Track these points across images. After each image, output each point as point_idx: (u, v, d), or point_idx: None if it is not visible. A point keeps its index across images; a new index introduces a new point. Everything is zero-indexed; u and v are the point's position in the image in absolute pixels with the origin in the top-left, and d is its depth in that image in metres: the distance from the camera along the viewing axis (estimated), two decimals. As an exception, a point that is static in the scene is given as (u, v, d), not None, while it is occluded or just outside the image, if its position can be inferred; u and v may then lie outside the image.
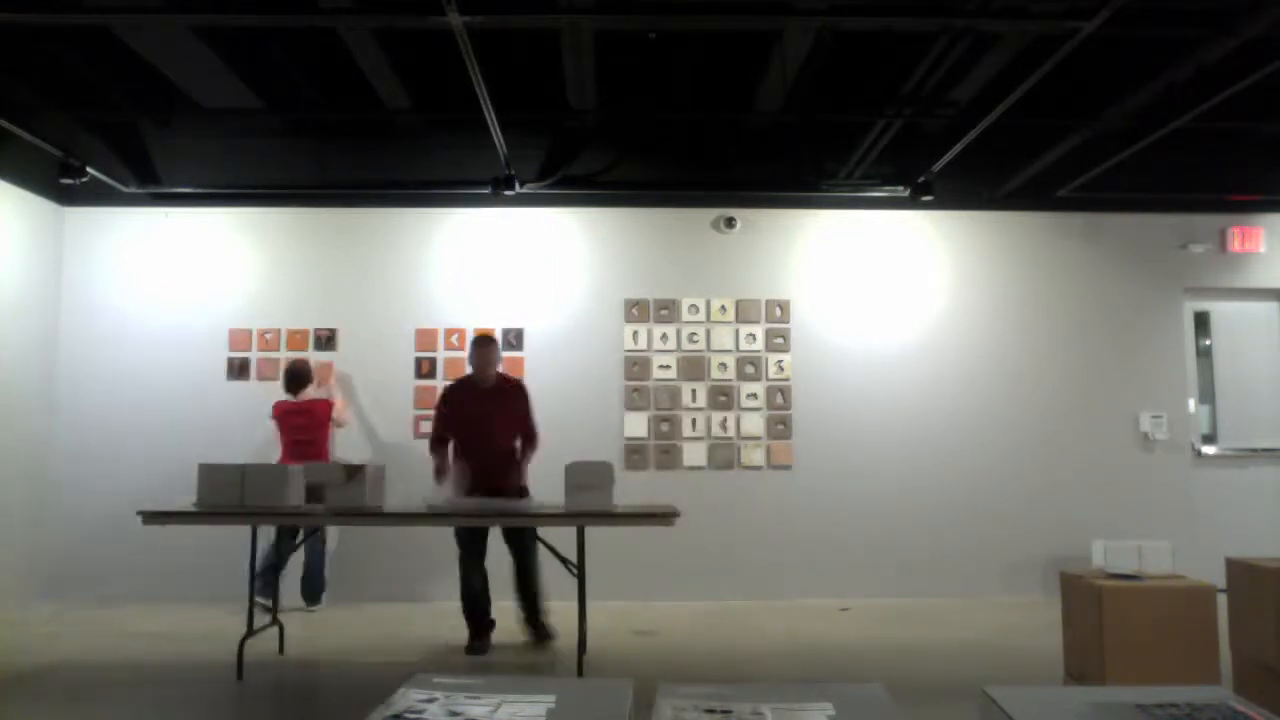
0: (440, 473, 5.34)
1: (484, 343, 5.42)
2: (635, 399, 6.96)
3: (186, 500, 5.04)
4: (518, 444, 5.47)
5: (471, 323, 6.99)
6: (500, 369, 5.56)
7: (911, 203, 6.79)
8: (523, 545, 5.35)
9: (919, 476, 6.96)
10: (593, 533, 6.98)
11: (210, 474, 4.79)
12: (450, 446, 5.38)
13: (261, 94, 5.83)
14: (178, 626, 5.86)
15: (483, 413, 5.32)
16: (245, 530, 6.66)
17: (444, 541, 6.77)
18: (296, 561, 6.26)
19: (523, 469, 5.41)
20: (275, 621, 5.29)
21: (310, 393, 6.45)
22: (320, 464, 5.15)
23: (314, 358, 6.91)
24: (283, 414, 6.38)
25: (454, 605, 6.54)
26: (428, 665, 4.87)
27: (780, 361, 7.03)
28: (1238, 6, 4.52)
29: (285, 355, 6.92)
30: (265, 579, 5.73)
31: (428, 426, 6.85)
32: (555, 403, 6.94)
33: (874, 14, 4.51)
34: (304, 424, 6.34)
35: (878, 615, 6.17)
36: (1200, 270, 7.28)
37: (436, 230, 7.08)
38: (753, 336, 7.04)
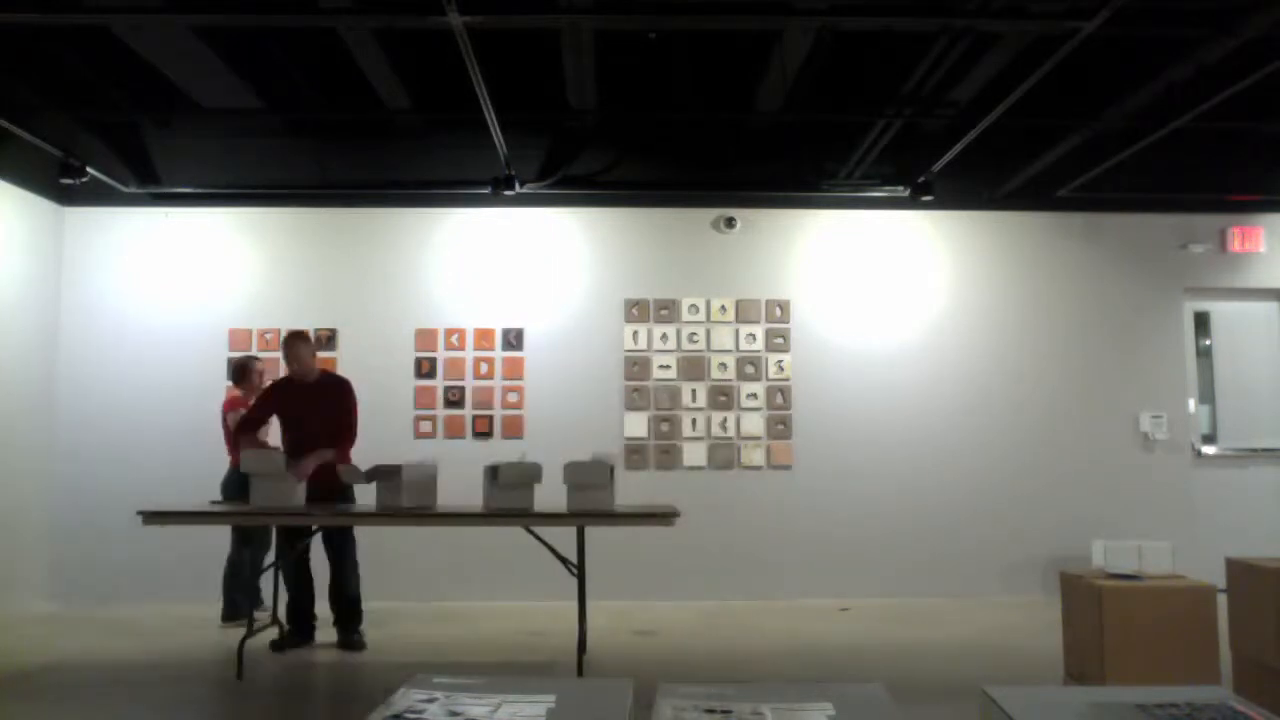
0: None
1: (293, 340, 5.33)
2: (635, 399, 6.96)
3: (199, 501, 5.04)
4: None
5: (472, 323, 6.99)
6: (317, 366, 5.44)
7: (911, 203, 6.79)
8: (340, 549, 5.29)
9: (919, 476, 6.96)
10: (593, 533, 6.98)
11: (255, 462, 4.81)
12: (259, 432, 5.36)
13: (261, 94, 5.83)
14: (177, 626, 5.86)
15: (303, 412, 5.24)
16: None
17: (442, 542, 6.79)
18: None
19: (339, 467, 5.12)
20: (275, 621, 5.29)
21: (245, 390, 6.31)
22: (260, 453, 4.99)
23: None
24: (232, 409, 6.26)
25: (451, 606, 6.56)
26: (428, 665, 4.87)
27: (780, 361, 7.03)
28: (1238, 6, 4.52)
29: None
30: (251, 586, 5.86)
31: (427, 427, 6.90)
32: (555, 403, 6.95)
33: (874, 14, 4.51)
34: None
35: (878, 615, 6.17)
36: (1200, 270, 7.28)
37: (436, 230, 7.08)
38: (753, 336, 7.04)
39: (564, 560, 4.88)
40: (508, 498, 4.77)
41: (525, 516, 4.77)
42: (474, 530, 6.77)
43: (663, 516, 4.64)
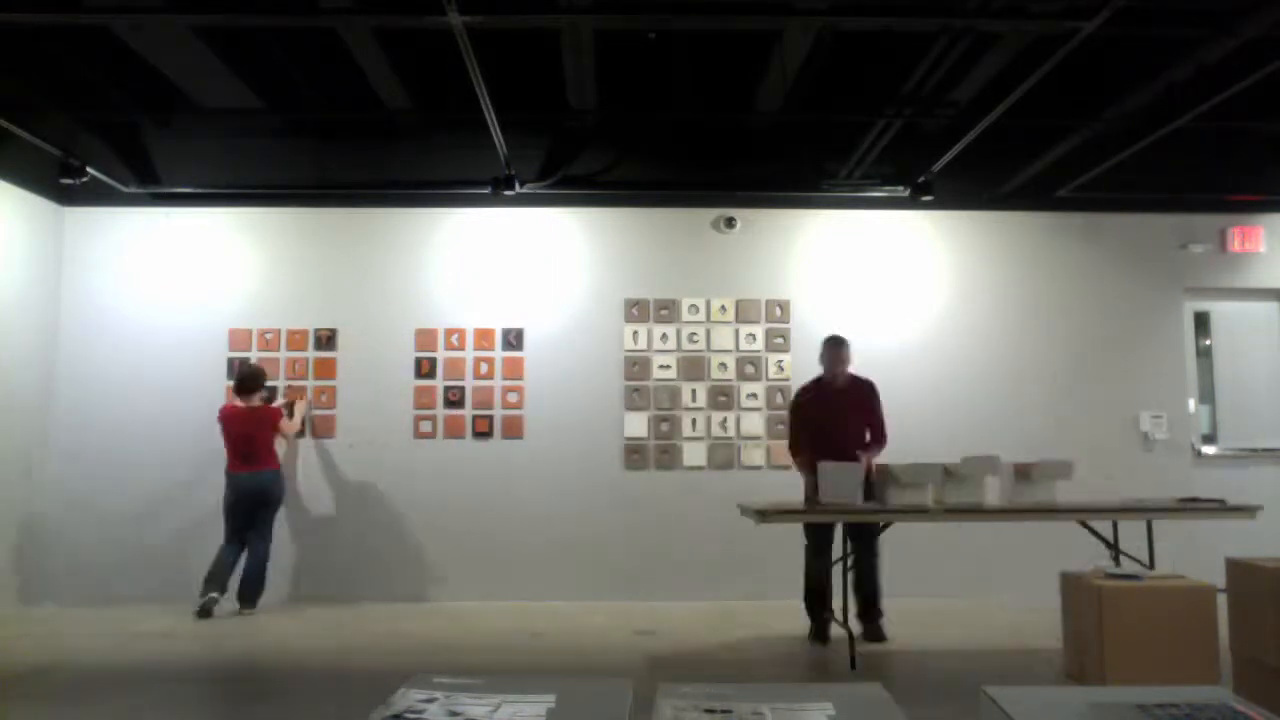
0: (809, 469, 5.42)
1: (834, 343, 5.58)
2: (635, 399, 6.96)
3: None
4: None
5: (471, 323, 6.99)
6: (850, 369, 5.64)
7: (911, 203, 6.79)
8: (865, 542, 5.47)
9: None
10: (592, 534, 7.01)
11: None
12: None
13: (261, 94, 5.83)
14: (178, 626, 5.86)
15: (833, 411, 5.49)
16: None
17: (440, 543, 6.79)
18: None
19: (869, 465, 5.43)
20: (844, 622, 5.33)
21: (258, 399, 6.42)
22: (844, 465, 5.16)
23: (314, 357, 6.92)
24: (228, 418, 6.35)
25: (451, 606, 6.56)
26: (428, 665, 4.87)
27: (780, 361, 7.03)
28: (1238, 6, 4.52)
29: (286, 355, 6.92)
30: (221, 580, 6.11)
31: (427, 427, 6.89)
32: (555, 403, 6.95)
33: (874, 14, 4.52)
34: (250, 432, 6.29)
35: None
36: (1200, 270, 7.28)
37: (436, 230, 7.08)
38: (753, 336, 7.04)
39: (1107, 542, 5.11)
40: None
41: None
42: (473, 531, 6.77)
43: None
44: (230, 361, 6.90)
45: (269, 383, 6.60)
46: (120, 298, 6.97)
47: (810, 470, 5.37)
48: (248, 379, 6.38)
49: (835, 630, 5.32)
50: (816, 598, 5.48)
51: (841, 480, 5.03)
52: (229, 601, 6.20)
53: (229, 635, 5.62)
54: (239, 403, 6.38)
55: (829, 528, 5.46)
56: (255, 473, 6.26)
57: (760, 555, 6.81)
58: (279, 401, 6.71)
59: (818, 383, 5.65)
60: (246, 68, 5.51)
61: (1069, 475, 5.10)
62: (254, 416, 6.34)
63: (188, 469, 6.78)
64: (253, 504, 6.27)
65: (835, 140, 6.57)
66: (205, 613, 6.00)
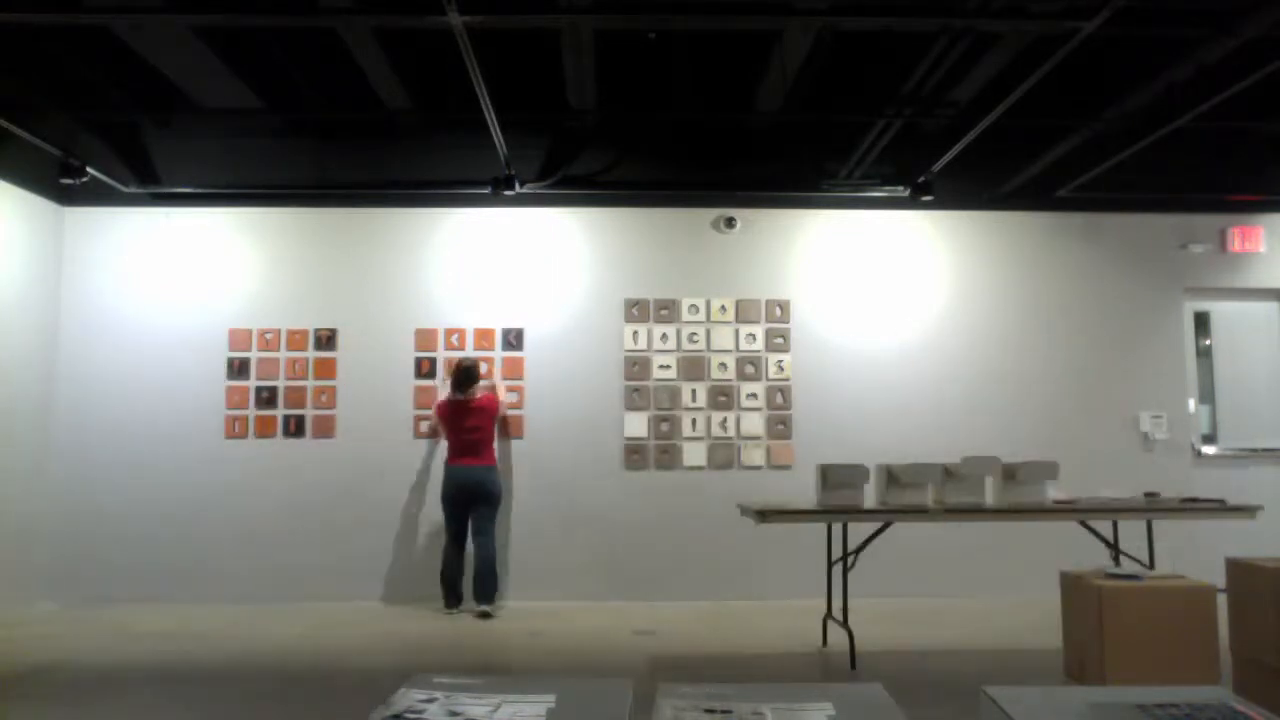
0: None
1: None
2: (635, 399, 6.96)
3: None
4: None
5: (472, 323, 6.99)
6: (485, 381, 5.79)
7: (911, 203, 6.79)
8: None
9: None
10: (591, 534, 7.02)
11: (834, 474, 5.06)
12: None
13: (261, 94, 5.83)
14: (178, 626, 5.86)
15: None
16: (248, 530, 6.72)
17: (439, 543, 6.78)
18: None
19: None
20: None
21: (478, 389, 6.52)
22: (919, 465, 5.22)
23: (314, 357, 6.92)
24: (452, 412, 6.40)
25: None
26: (428, 665, 4.87)
27: (780, 361, 7.03)
28: (1238, 6, 4.52)
29: (286, 355, 6.92)
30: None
31: (428, 427, 6.89)
32: (555, 403, 6.95)
33: (874, 14, 4.51)
34: (477, 421, 6.38)
35: (878, 615, 6.17)
36: (1200, 270, 7.28)
37: (436, 230, 7.08)
38: (753, 336, 7.04)
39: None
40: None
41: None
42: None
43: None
44: (230, 361, 6.90)
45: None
46: (120, 298, 6.97)
47: None
48: (472, 373, 6.42)
49: (834, 630, 5.32)
50: None
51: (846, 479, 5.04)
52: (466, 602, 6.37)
53: (229, 635, 5.62)
54: (459, 396, 6.41)
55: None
56: (475, 467, 6.33)
57: (760, 555, 6.81)
58: (481, 387, 6.63)
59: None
60: (246, 68, 5.51)
61: (1055, 475, 5.12)
62: (478, 408, 6.39)
63: (188, 469, 6.79)
64: (471, 498, 6.29)
65: (835, 140, 6.57)
66: (485, 615, 6.17)
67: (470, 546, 6.34)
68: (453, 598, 6.30)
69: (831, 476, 5.03)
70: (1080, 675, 4.13)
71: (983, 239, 7.23)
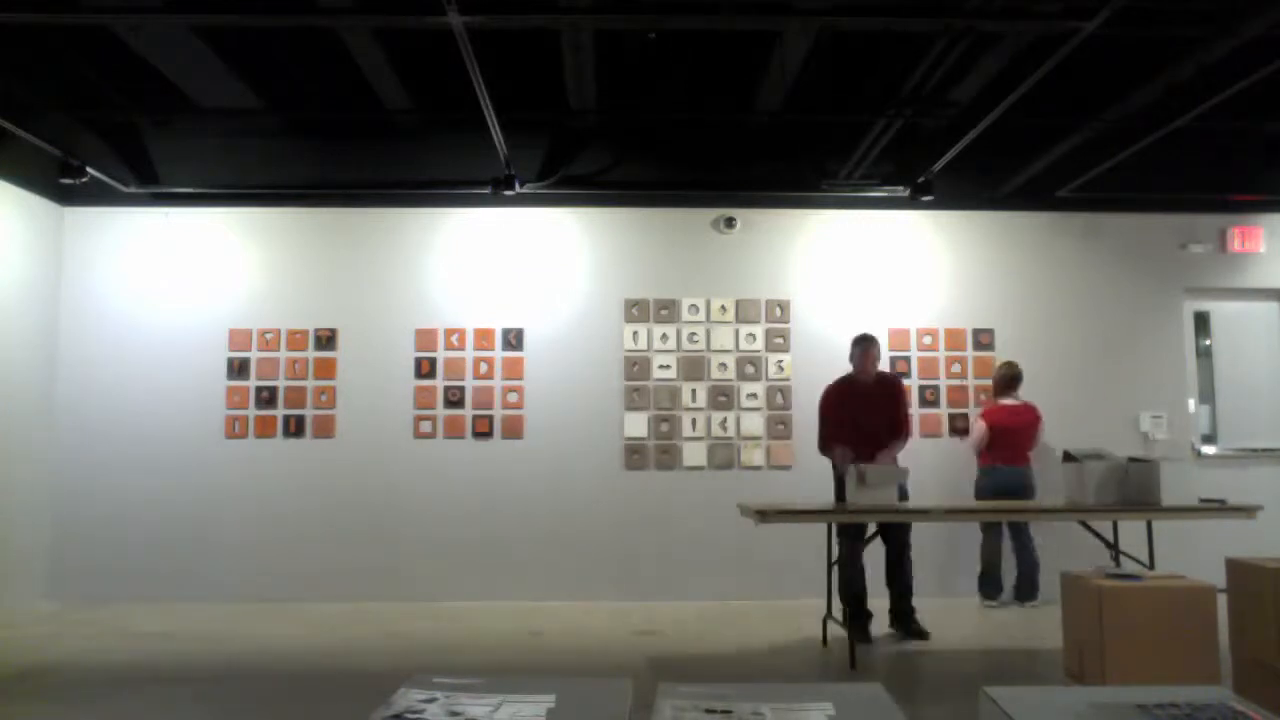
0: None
1: (863, 341, 5.71)
2: (635, 399, 6.96)
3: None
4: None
5: (472, 323, 6.99)
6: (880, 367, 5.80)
7: (911, 203, 6.79)
8: (900, 541, 5.60)
9: (919, 476, 6.94)
10: (591, 533, 7.03)
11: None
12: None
13: (261, 94, 5.82)
14: (178, 626, 5.86)
15: (862, 408, 5.58)
16: (248, 530, 6.71)
17: (439, 543, 6.78)
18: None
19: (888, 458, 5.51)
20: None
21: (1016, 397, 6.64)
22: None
23: (314, 357, 6.92)
24: (1004, 417, 6.54)
25: (451, 606, 6.56)
26: (428, 665, 4.87)
27: (780, 361, 7.03)
28: (1238, 6, 4.52)
29: (286, 355, 6.92)
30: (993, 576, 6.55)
31: (427, 427, 6.89)
32: (555, 403, 6.95)
33: (874, 14, 4.51)
34: (1023, 425, 6.53)
35: (877, 615, 6.16)
36: (1200, 270, 7.28)
37: (436, 230, 7.08)
38: (753, 336, 7.04)
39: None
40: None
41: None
42: (473, 530, 6.78)
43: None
44: (230, 361, 6.90)
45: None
46: (120, 298, 6.97)
47: (850, 460, 5.34)
48: (1018, 378, 6.62)
49: (834, 630, 5.32)
50: (858, 599, 5.45)
51: (880, 481, 5.02)
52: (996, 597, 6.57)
53: (229, 635, 5.62)
54: (1005, 401, 6.59)
55: (862, 527, 5.45)
56: (1018, 467, 6.47)
57: (760, 555, 6.81)
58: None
59: (850, 382, 5.70)
60: (246, 68, 5.51)
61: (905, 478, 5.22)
62: (1023, 411, 6.59)
63: (188, 469, 6.79)
64: (1009, 497, 6.35)
65: (835, 140, 6.56)
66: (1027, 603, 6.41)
67: (1008, 544, 6.60)
68: (997, 598, 6.56)
69: (870, 477, 4.98)
70: (1080, 675, 4.13)
71: (983, 239, 7.23)
